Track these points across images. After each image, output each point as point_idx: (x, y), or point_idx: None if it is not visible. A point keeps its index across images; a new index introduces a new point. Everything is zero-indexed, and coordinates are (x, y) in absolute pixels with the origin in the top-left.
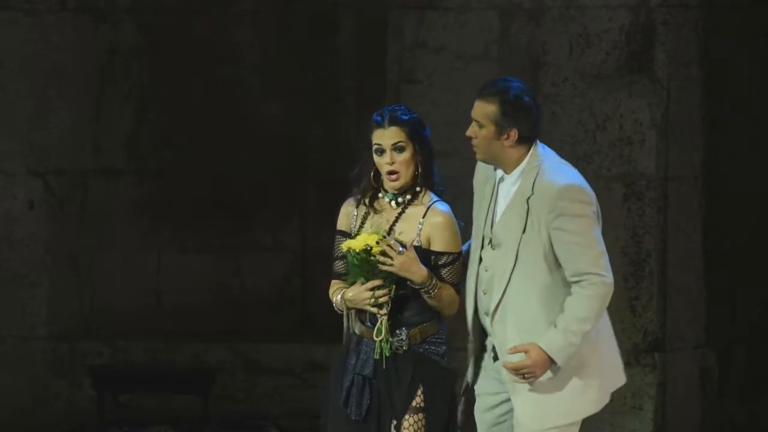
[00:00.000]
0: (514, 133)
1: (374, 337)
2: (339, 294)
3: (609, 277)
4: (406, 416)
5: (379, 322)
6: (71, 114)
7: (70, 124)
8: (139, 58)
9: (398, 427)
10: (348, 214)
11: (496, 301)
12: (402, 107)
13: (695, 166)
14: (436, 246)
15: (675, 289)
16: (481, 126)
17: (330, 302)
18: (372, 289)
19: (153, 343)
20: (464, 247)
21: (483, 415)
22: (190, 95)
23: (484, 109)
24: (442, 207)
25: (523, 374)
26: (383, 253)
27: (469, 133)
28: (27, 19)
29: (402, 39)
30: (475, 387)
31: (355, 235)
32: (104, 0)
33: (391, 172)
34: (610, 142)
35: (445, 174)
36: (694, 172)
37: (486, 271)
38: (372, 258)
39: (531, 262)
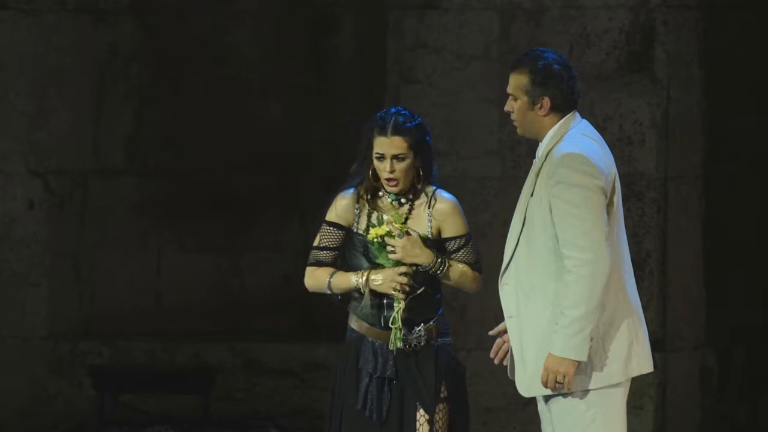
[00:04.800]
0: (546, 102)
1: (390, 324)
2: (360, 275)
3: (590, 252)
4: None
5: (396, 309)
6: (71, 114)
7: (70, 124)
8: (139, 58)
9: (431, 421)
10: (347, 207)
11: (505, 264)
12: (406, 113)
13: (695, 166)
14: (447, 232)
15: (675, 289)
16: (515, 99)
17: (317, 293)
18: (401, 275)
19: (153, 343)
20: None
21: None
22: (190, 95)
23: (516, 81)
24: (445, 194)
25: (555, 384)
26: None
27: (506, 108)
28: (27, 19)
29: (402, 39)
30: None
31: (364, 231)
32: (104, 0)
33: (389, 179)
34: (610, 142)
35: (445, 174)
36: (694, 172)
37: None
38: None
39: (534, 227)
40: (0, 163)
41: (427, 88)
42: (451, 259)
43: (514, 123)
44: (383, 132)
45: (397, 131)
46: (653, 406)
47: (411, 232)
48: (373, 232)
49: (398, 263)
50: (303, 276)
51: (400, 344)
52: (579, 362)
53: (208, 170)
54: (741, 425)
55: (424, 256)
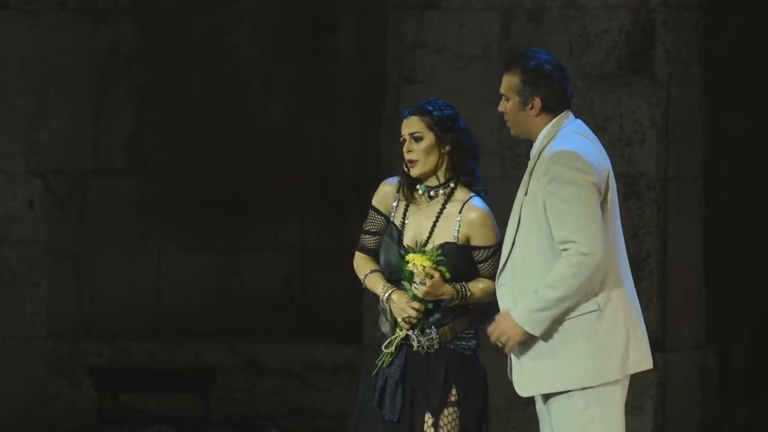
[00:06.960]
0: (537, 102)
1: (383, 348)
2: (384, 290)
3: (587, 247)
4: (443, 411)
5: (394, 336)
6: (71, 114)
7: (70, 124)
8: (139, 58)
9: (436, 425)
10: (388, 194)
11: (502, 264)
12: (438, 102)
13: (695, 166)
14: (475, 241)
15: (675, 289)
16: (507, 99)
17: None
18: (414, 309)
19: (153, 343)
20: None
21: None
22: (190, 95)
23: (508, 82)
24: (478, 203)
25: (499, 340)
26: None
27: (499, 108)
28: (27, 19)
29: (402, 39)
30: None
31: (400, 226)
32: (104, 0)
33: (409, 160)
34: (610, 142)
35: None
36: (694, 172)
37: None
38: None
39: (529, 227)
40: (0, 163)
41: (427, 88)
42: (477, 267)
43: (507, 123)
44: (404, 115)
45: (413, 112)
46: (653, 406)
47: (434, 274)
48: (410, 257)
49: (417, 296)
50: (303, 276)
51: (386, 365)
52: (530, 335)
53: (207, 170)
54: (741, 425)
55: (446, 295)
